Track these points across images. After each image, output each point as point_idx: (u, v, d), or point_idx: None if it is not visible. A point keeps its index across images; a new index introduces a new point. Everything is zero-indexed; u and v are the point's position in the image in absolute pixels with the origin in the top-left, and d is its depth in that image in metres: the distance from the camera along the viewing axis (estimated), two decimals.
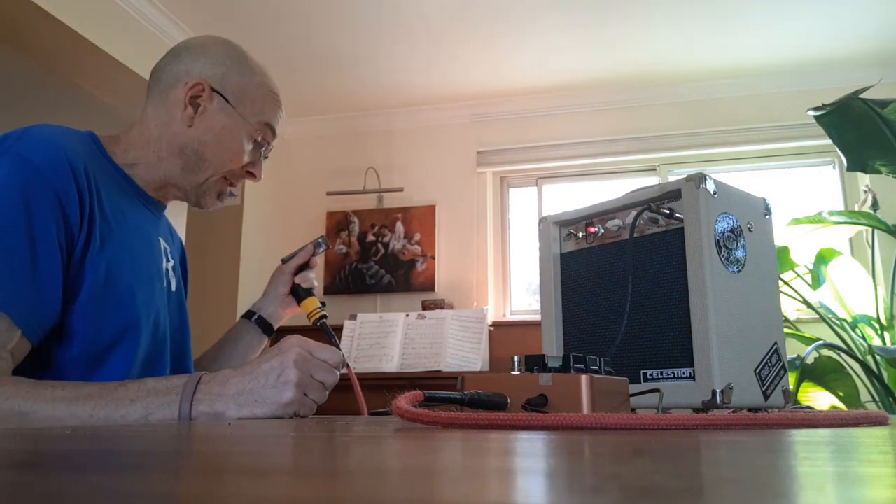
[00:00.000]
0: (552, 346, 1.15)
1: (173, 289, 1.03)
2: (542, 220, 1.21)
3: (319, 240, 1.22)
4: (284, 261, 1.21)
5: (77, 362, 0.83)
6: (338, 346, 0.98)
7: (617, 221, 1.11)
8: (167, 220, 1.09)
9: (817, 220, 2.64)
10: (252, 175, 1.05)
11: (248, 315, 1.18)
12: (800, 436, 0.47)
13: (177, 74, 0.99)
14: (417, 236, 3.66)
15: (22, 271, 0.77)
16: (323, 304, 1.16)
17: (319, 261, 4.19)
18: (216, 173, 1.00)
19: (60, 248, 0.80)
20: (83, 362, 0.84)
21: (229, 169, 1.01)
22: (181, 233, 3.89)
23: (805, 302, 2.66)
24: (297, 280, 1.18)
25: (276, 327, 1.20)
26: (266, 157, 1.07)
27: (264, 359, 0.79)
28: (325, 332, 1.09)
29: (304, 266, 1.19)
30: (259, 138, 1.02)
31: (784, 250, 2.69)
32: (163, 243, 1.02)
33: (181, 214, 4.31)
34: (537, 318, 1.29)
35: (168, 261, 1.03)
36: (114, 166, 0.95)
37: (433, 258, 3.62)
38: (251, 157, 1.03)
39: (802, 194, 3.46)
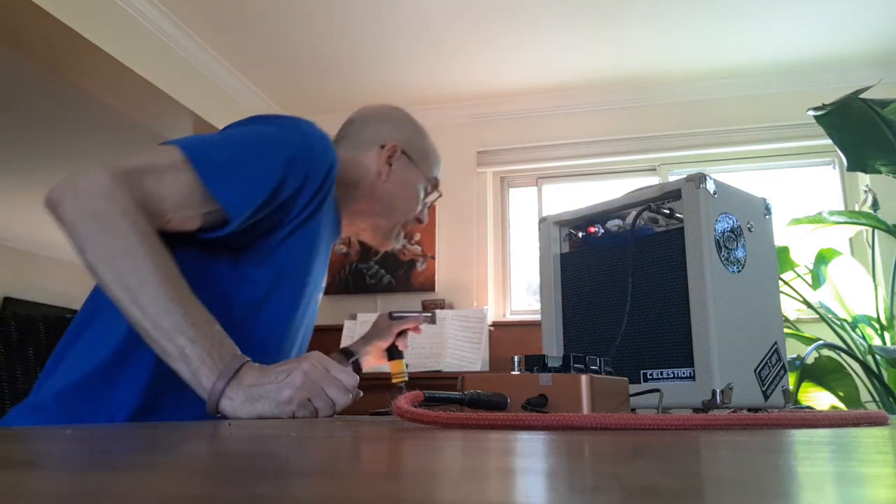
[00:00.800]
0: (552, 346, 1.15)
1: (315, 306, 1.11)
2: (542, 220, 1.21)
3: (431, 314, 1.34)
4: (393, 316, 1.30)
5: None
6: None
7: (617, 221, 1.11)
8: None
9: (817, 220, 2.64)
10: (420, 221, 1.21)
11: (347, 354, 1.28)
12: (800, 436, 0.47)
13: (371, 137, 1.16)
14: (417, 236, 3.67)
15: (255, 195, 0.85)
16: (407, 365, 1.27)
17: None
18: (401, 220, 1.18)
19: (276, 198, 0.89)
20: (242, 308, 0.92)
21: (409, 216, 1.18)
22: None
23: (805, 302, 2.66)
24: (398, 342, 1.29)
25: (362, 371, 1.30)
26: (428, 206, 1.23)
27: (283, 362, 0.81)
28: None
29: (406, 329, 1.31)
30: (430, 189, 1.21)
31: (784, 250, 2.69)
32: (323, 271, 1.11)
33: None
34: (537, 318, 1.29)
35: (322, 280, 1.11)
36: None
37: (433, 258, 3.62)
38: (421, 206, 1.21)
39: (802, 194, 3.46)
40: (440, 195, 1.22)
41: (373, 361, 1.30)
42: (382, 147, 1.14)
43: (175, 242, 0.83)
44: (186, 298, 0.77)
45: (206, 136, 0.87)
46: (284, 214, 0.91)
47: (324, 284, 1.11)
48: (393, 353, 1.27)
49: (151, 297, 0.74)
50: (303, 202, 0.92)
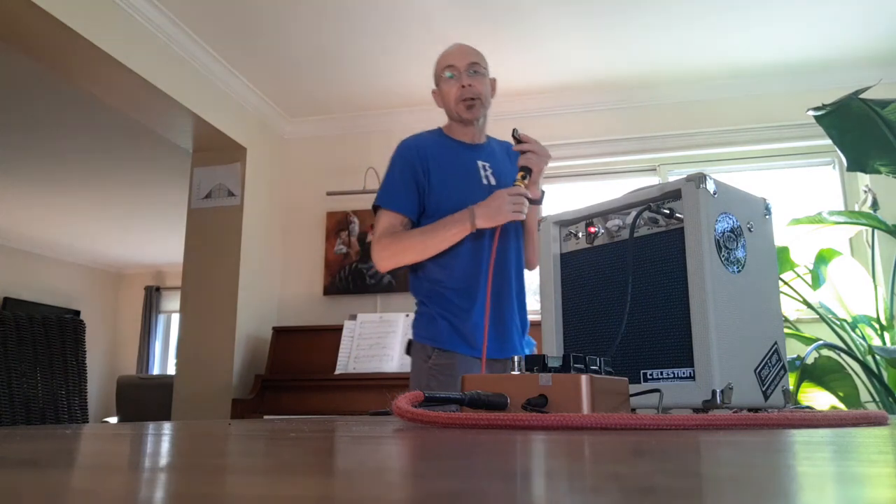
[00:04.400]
0: (552, 346, 1.15)
1: (492, 182, 1.74)
2: (542, 220, 1.21)
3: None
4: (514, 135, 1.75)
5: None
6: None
7: (617, 221, 1.11)
8: (493, 147, 1.84)
9: (817, 220, 2.64)
10: (463, 88, 1.72)
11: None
12: (800, 436, 0.47)
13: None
14: None
15: (401, 197, 1.70)
16: (524, 177, 1.62)
17: (320, 260, 4.13)
18: (454, 104, 1.77)
19: (417, 186, 1.70)
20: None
21: (452, 100, 1.76)
22: (181, 235, 3.88)
23: (805, 302, 2.66)
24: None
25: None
26: (461, 80, 1.74)
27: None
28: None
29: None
30: (446, 74, 1.74)
31: (784, 250, 2.70)
32: (480, 163, 1.77)
33: (181, 216, 4.33)
34: (537, 318, 1.29)
35: (486, 168, 1.77)
36: (444, 136, 1.81)
37: None
38: (455, 87, 1.74)
39: (802, 194, 3.46)
40: (453, 67, 1.72)
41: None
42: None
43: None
44: (429, 230, 1.64)
45: (382, 186, 1.75)
46: (421, 183, 1.70)
47: (489, 171, 1.77)
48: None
49: (421, 239, 1.64)
50: (421, 173, 1.70)
